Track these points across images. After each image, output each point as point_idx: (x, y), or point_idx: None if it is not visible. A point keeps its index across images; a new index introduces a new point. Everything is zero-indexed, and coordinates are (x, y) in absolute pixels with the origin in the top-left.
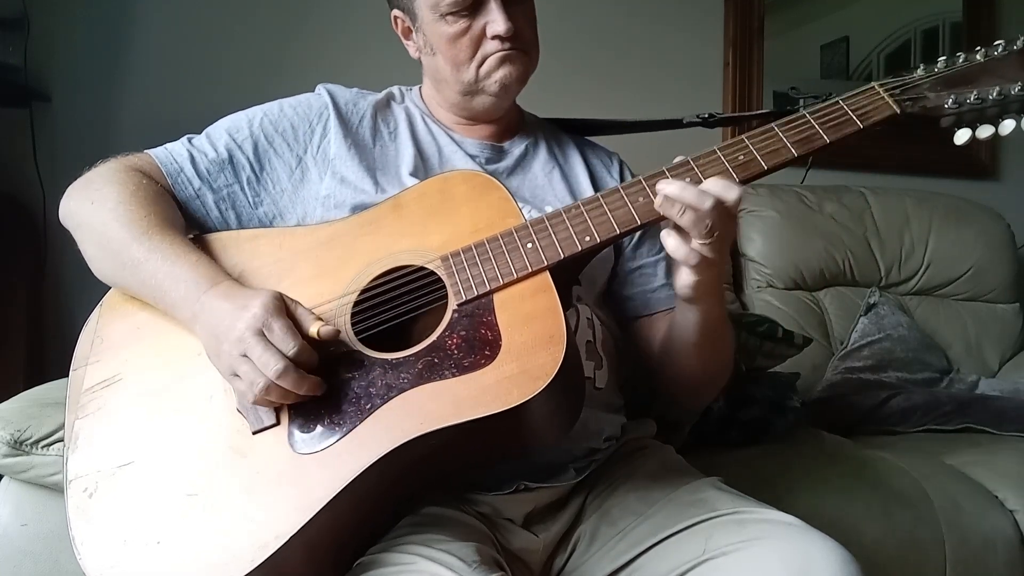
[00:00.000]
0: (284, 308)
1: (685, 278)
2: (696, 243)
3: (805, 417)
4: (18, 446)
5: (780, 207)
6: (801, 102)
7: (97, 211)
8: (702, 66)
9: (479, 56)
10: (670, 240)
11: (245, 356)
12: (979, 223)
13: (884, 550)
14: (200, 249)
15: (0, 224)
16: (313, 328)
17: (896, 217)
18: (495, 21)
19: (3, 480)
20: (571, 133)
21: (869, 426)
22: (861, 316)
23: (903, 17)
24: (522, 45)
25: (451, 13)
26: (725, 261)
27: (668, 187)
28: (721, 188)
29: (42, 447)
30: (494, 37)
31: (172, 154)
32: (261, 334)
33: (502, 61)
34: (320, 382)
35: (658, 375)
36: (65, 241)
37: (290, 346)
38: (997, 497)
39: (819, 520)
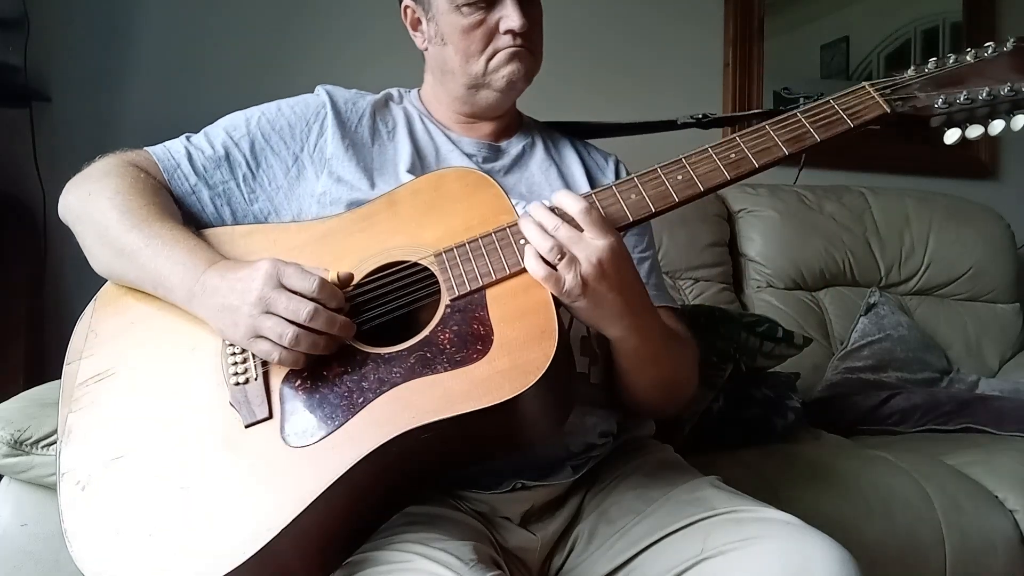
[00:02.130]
0: (291, 263)
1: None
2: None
3: (805, 417)
4: (18, 446)
5: (780, 207)
6: (801, 100)
7: (95, 202)
8: (702, 66)
9: (490, 50)
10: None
11: (268, 313)
12: (979, 223)
13: (884, 550)
14: (194, 235)
15: (0, 224)
16: (331, 274)
17: (896, 217)
18: (510, 16)
19: (3, 480)
20: (568, 135)
21: (869, 426)
22: (861, 316)
23: (903, 17)
24: (531, 45)
25: (467, 4)
26: (617, 294)
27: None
28: (561, 199)
29: (42, 447)
30: (507, 32)
31: (170, 151)
32: (281, 287)
33: (511, 57)
34: (350, 322)
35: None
36: (65, 241)
37: (311, 286)
38: (997, 497)
39: (819, 520)
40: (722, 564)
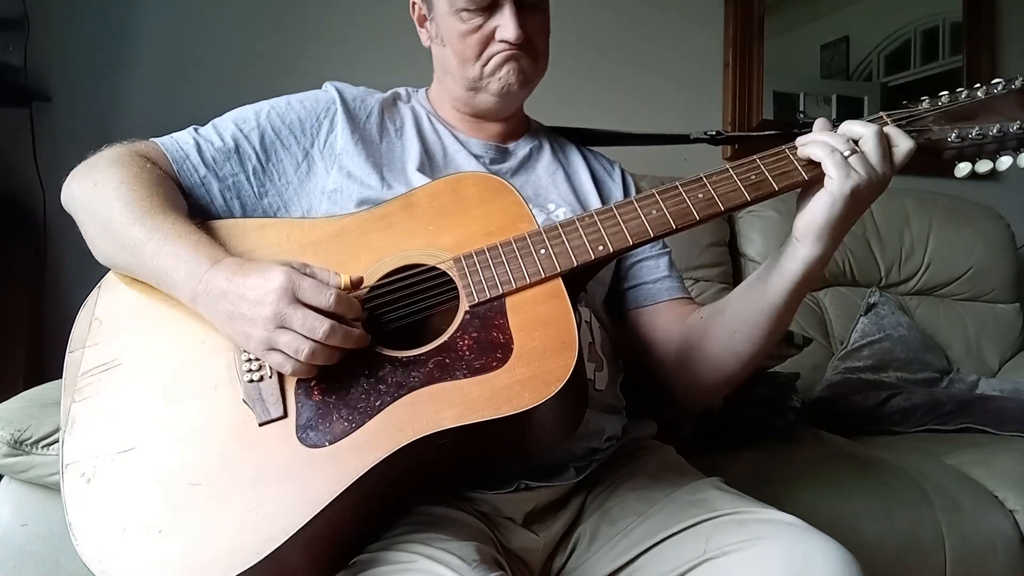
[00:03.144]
0: (302, 271)
1: (823, 202)
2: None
3: (805, 417)
4: (18, 446)
5: (780, 207)
6: (801, 119)
7: (99, 192)
8: (702, 66)
9: (485, 55)
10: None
11: (284, 328)
12: (979, 223)
13: (884, 550)
14: (202, 230)
15: (0, 224)
16: (343, 279)
17: (896, 217)
18: (505, 26)
19: (3, 480)
20: (574, 140)
21: (869, 426)
22: (861, 316)
23: (903, 17)
24: (530, 52)
25: (466, 10)
26: (859, 213)
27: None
28: (854, 128)
29: (42, 447)
30: (502, 41)
31: (178, 142)
32: (296, 302)
33: (506, 61)
34: (366, 335)
35: (667, 367)
36: (65, 240)
37: (328, 300)
38: (997, 497)
39: (819, 520)
40: (724, 565)
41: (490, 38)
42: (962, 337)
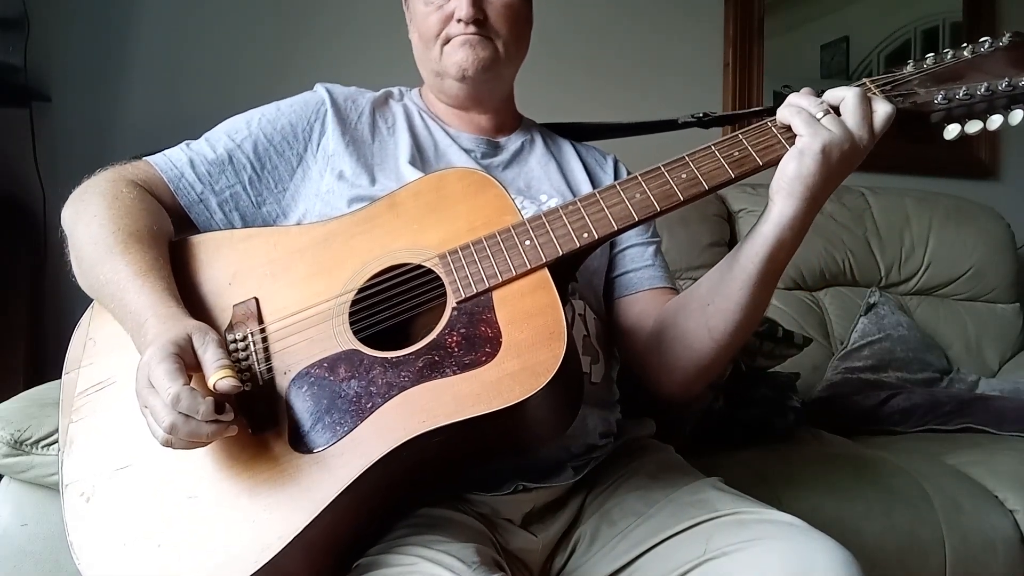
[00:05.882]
0: (172, 354)
1: (793, 160)
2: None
3: (805, 417)
4: (18, 446)
5: None
6: None
7: (77, 225)
8: (702, 66)
9: (443, 36)
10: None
11: (146, 407)
12: (979, 223)
13: (884, 550)
14: (147, 271)
15: (0, 224)
16: (212, 379)
17: (896, 217)
18: (460, 5)
19: (3, 480)
20: (565, 136)
21: (869, 426)
22: (861, 316)
23: (903, 17)
24: (490, 34)
25: None
26: (839, 173)
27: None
28: (830, 95)
29: (42, 447)
30: (458, 21)
31: (171, 160)
32: (150, 385)
33: (461, 45)
34: (220, 428)
35: (640, 352)
36: (65, 241)
37: (166, 397)
38: (997, 497)
39: (819, 520)
40: (725, 565)
41: (449, 17)
42: (962, 337)
